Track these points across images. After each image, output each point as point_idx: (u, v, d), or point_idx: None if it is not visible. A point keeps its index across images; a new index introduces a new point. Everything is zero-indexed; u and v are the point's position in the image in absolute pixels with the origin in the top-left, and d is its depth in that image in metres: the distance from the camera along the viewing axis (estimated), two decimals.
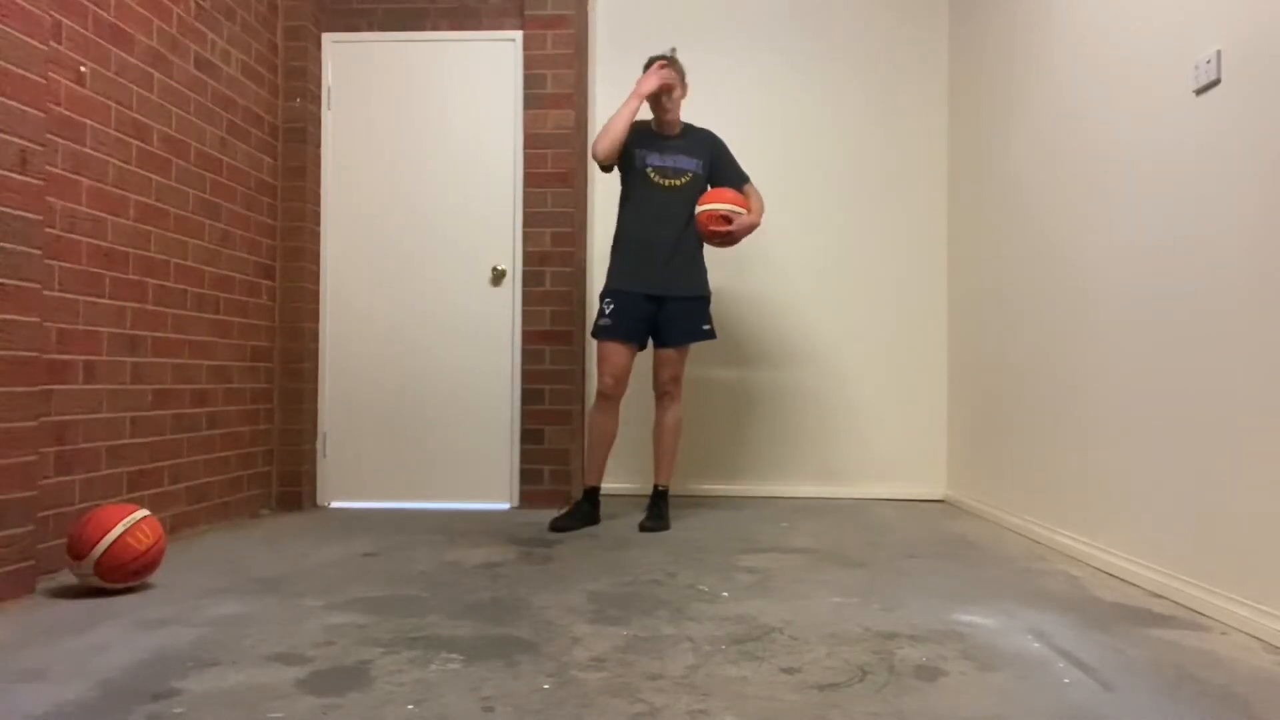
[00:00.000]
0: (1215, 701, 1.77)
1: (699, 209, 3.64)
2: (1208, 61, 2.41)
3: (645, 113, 3.81)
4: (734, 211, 3.60)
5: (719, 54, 4.69)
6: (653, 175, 3.68)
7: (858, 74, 4.68)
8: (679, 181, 3.69)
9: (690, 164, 3.72)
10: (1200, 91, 2.45)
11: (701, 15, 4.73)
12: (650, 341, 3.75)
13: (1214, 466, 2.39)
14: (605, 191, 4.70)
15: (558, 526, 3.60)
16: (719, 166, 3.80)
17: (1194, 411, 2.47)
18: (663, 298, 3.66)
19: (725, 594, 2.58)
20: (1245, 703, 1.76)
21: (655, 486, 3.81)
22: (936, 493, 4.62)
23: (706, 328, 3.75)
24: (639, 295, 3.65)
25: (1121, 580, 2.78)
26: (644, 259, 3.65)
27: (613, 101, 4.68)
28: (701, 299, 3.75)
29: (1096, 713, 1.70)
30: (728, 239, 3.66)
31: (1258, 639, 2.17)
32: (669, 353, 3.72)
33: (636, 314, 3.65)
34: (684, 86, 3.76)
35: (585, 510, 3.71)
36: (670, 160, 3.70)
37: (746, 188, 3.81)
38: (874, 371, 4.66)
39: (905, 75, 4.68)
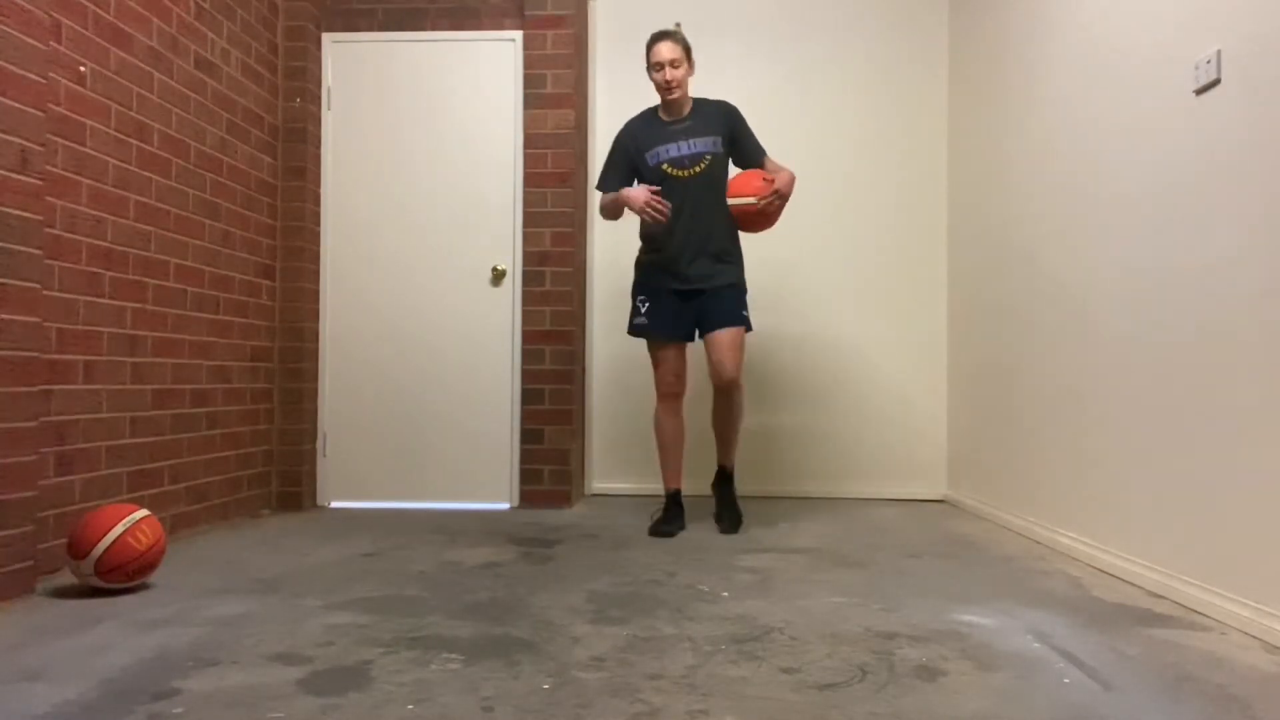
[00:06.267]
0: (1215, 701, 1.77)
1: (731, 203, 3.50)
2: (1208, 61, 2.41)
3: (652, 95, 3.64)
4: (760, 201, 3.43)
5: (718, 57, 4.67)
6: (669, 169, 3.52)
7: (857, 76, 4.68)
8: (698, 168, 3.50)
9: (706, 144, 3.52)
10: (1200, 91, 2.45)
11: (701, 16, 4.72)
12: (697, 334, 3.62)
13: (1213, 467, 2.39)
14: None
15: (657, 533, 3.51)
16: (737, 139, 3.60)
17: (1194, 411, 2.47)
18: (696, 291, 3.53)
19: (725, 594, 2.58)
20: (1245, 703, 1.76)
21: (720, 468, 3.74)
22: (936, 493, 4.62)
23: (745, 314, 3.58)
24: (671, 290, 3.54)
25: (1121, 580, 2.78)
26: (672, 255, 3.52)
27: (613, 101, 4.68)
28: (734, 287, 3.57)
29: (1096, 713, 1.70)
30: (770, 221, 3.53)
31: (1258, 639, 2.17)
32: (719, 336, 3.51)
33: (673, 308, 3.54)
34: (690, 64, 3.53)
35: (676, 514, 3.63)
36: (684, 147, 3.52)
37: (766, 162, 3.63)
38: (874, 372, 4.66)
39: (905, 75, 4.67)
